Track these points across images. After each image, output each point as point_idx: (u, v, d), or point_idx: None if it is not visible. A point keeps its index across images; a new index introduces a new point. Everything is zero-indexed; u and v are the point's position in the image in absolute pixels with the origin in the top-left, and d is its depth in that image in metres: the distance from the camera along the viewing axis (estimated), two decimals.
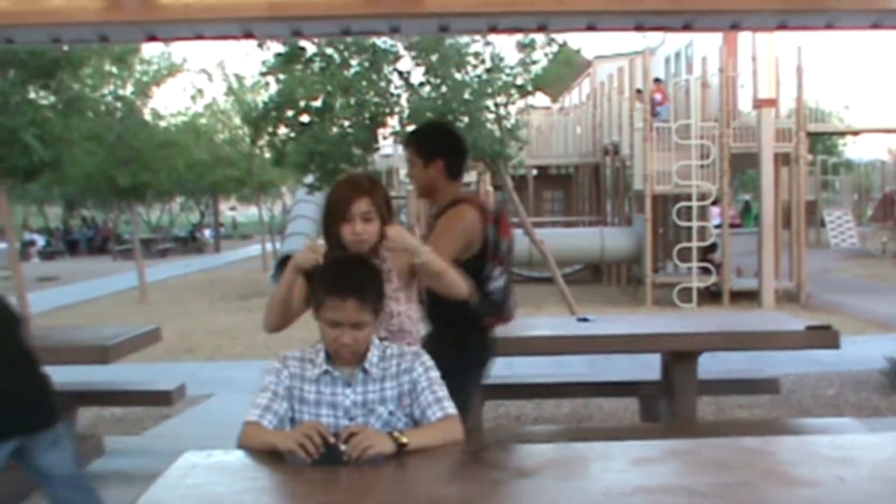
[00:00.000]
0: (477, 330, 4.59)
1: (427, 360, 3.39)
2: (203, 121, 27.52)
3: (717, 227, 19.29)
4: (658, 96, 18.92)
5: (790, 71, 18.47)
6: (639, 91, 19.33)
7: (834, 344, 5.84)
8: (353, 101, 14.43)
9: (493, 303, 4.51)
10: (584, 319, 6.86)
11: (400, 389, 3.31)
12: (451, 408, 3.28)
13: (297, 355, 3.39)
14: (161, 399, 7.50)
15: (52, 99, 14.84)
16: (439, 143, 4.57)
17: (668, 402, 6.42)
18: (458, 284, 3.97)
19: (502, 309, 4.62)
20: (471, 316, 4.42)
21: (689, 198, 17.99)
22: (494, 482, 2.89)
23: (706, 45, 20.00)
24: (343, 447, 2.97)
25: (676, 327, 6.63)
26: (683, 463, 3.04)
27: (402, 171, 25.58)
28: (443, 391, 3.31)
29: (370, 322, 3.26)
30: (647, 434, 6.22)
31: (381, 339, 3.43)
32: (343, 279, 3.25)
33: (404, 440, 3.05)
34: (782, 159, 18.74)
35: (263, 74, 15.46)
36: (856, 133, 27.60)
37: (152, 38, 6.17)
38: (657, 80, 20.02)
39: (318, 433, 3.00)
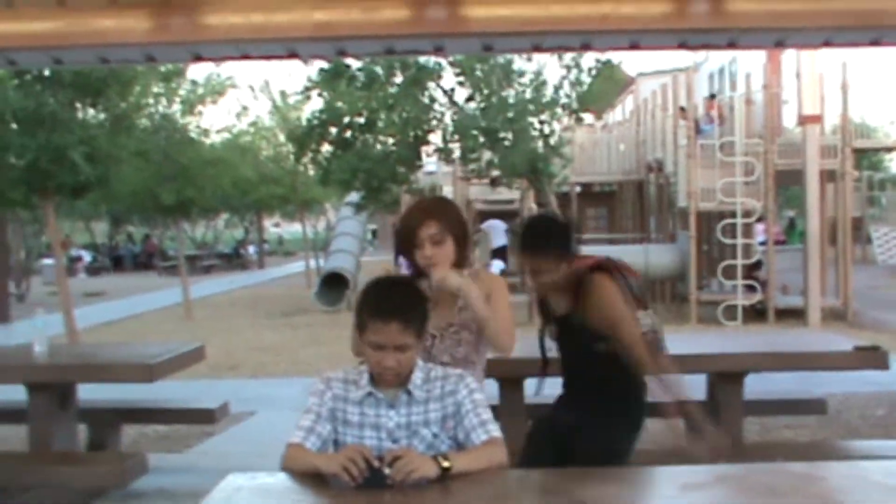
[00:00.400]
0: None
1: (471, 381, 3.37)
2: (248, 138, 27.70)
3: (762, 244, 19.13)
4: (714, 113, 18.78)
5: (835, 87, 18.33)
6: (682, 108, 19.22)
7: (883, 364, 5.77)
8: (396, 117, 14.46)
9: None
10: None
11: (444, 412, 3.30)
12: (495, 430, 3.26)
13: (340, 377, 3.39)
14: (204, 417, 7.54)
15: (101, 117, 15.00)
16: (556, 237, 4.39)
17: (713, 422, 6.35)
18: (501, 335, 3.88)
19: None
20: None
21: (733, 215, 17.86)
22: None
23: (750, 61, 19.88)
24: (387, 470, 2.95)
25: (722, 347, 6.56)
26: (732, 488, 3.00)
27: (446, 188, 25.57)
28: (487, 414, 3.30)
29: (413, 345, 3.25)
30: (695, 456, 6.15)
31: (443, 364, 3.42)
32: (386, 301, 3.24)
33: (448, 464, 3.03)
34: (828, 176, 18.56)
35: (307, 90, 15.52)
36: None
37: (198, 59, 6.22)
38: (712, 97, 19.91)
39: (363, 456, 2.98)
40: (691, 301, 17.88)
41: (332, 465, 3.01)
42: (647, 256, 19.84)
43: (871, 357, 5.80)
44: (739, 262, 17.60)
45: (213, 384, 11.40)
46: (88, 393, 6.91)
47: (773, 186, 17.83)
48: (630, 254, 20.39)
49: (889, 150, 31.75)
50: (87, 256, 42.91)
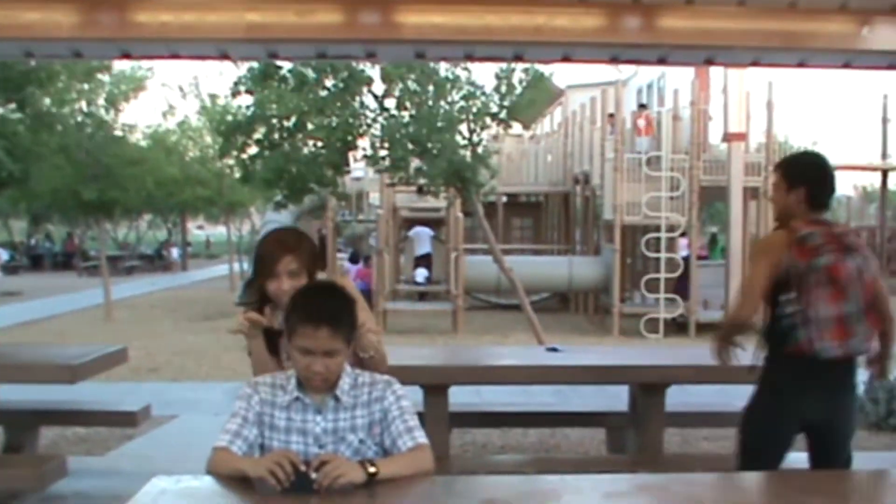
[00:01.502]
0: None
1: (398, 388, 3.37)
2: (174, 138, 27.41)
3: (685, 258, 19.37)
4: (641, 122, 18.99)
5: (760, 105, 18.63)
6: (611, 115, 19.40)
7: None
8: (326, 121, 14.41)
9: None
10: (554, 349, 6.87)
11: (371, 418, 3.29)
12: (421, 437, 3.26)
13: (268, 381, 3.37)
14: (126, 420, 7.43)
15: (20, 114, 14.77)
16: (806, 171, 4.43)
17: (635, 433, 6.43)
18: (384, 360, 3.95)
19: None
20: None
21: (657, 229, 18.07)
22: None
23: (678, 77, 20.14)
24: (314, 475, 2.94)
25: (645, 359, 6.62)
26: (654, 498, 3.03)
27: (373, 195, 25.55)
28: (413, 420, 3.30)
29: (342, 350, 3.24)
30: (615, 466, 6.21)
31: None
32: (316, 307, 3.23)
33: (375, 469, 3.04)
34: (751, 193, 18.84)
35: (236, 87, 15.39)
36: None
37: (126, 56, 6.16)
38: (643, 106, 20.11)
39: (290, 461, 2.97)
40: (614, 313, 18.05)
41: (259, 468, 3.00)
42: (572, 268, 20.03)
43: None
44: (662, 275, 17.80)
45: (133, 387, 11.25)
46: (3, 394, 6.77)
47: (697, 202, 18.07)
48: (555, 265, 20.63)
49: None
50: (4, 255, 42.08)
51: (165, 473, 3.16)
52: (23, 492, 6.38)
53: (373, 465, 3.05)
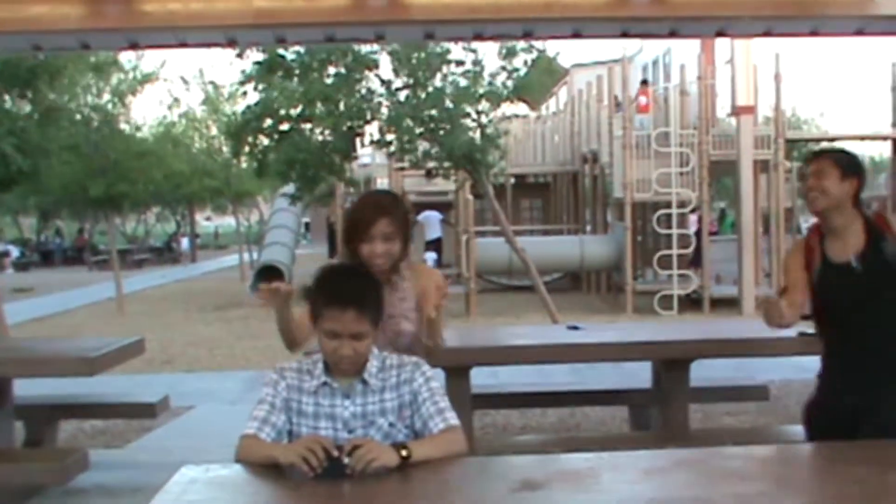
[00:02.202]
0: None
1: (427, 369, 3.32)
2: (180, 130, 27.36)
3: (696, 234, 19.31)
4: (643, 99, 18.88)
5: (767, 78, 18.54)
6: (616, 98, 19.32)
7: None
8: (332, 108, 14.34)
9: None
10: (575, 328, 6.82)
11: (400, 401, 3.25)
12: (453, 419, 3.21)
13: (294, 367, 3.32)
14: (145, 411, 7.41)
15: (29, 108, 14.70)
16: (858, 165, 4.29)
17: (660, 409, 6.38)
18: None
19: None
20: None
21: (668, 205, 18.00)
22: (503, 494, 2.81)
23: (684, 52, 20.03)
24: (346, 460, 2.89)
25: (668, 335, 6.57)
26: (695, 473, 2.98)
27: (381, 181, 25.48)
28: (444, 402, 3.25)
29: (369, 332, 3.19)
30: (643, 443, 6.18)
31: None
32: (342, 290, 3.18)
33: (408, 452, 2.98)
34: (760, 166, 18.76)
35: (242, 83, 15.34)
36: (832, 140, 27.68)
37: (134, 46, 6.10)
38: (644, 82, 20.01)
39: (321, 446, 2.92)
40: (627, 291, 17.99)
41: (290, 455, 2.94)
42: (583, 247, 19.96)
43: (815, 343, 5.82)
44: (675, 251, 17.74)
45: (149, 379, 11.25)
46: (19, 389, 6.75)
47: (707, 177, 18.00)
48: (566, 245, 20.57)
49: (819, 140, 32.20)
50: (14, 251, 42.16)
51: (186, 464, 3.12)
52: (45, 485, 6.36)
53: (405, 448, 3.00)
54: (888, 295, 4.02)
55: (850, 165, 4.21)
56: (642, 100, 18.87)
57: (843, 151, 4.42)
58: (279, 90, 14.53)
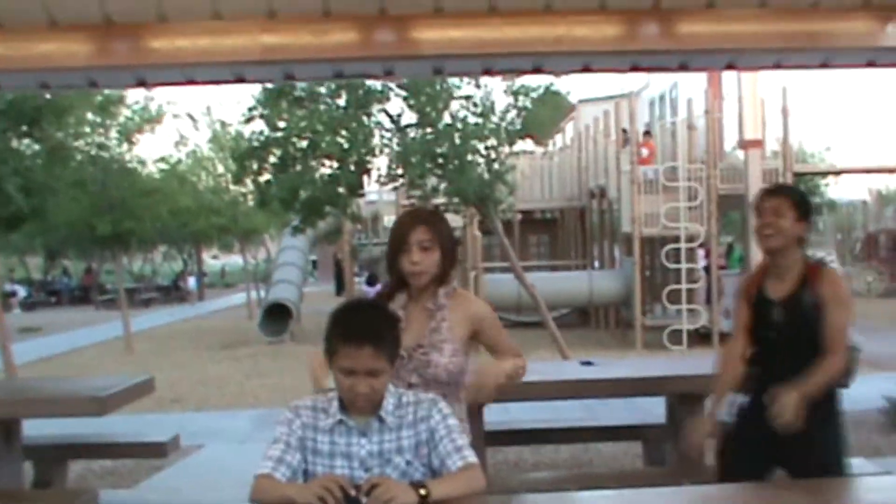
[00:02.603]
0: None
1: (444, 407, 3.27)
2: (186, 168, 27.40)
3: (705, 269, 19.27)
4: (645, 151, 18.92)
5: (774, 112, 18.56)
6: (625, 131, 19.34)
7: (843, 384, 5.73)
8: (340, 140, 14.36)
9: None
10: (588, 363, 6.77)
11: (417, 438, 3.19)
12: (471, 456, 3.16)
13: (309, 405, 3.27)
14: (155, 451, 7.34)
15: (36, 148, 14.74)
16: (811, 207, 4.37)
17: (674, 445, 6.31)
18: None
19: None
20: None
21: (676, 240, 17.96)
22: None
23: (691, 87, 20.06)
24: (364, 500, 2.83)
25: (682, 370, 6.52)
26: None
27: (387, 218, 25.49)
28: (462, 439, 3.20)
29: (386, 369, 3.14)
30: (659, 479, 6.09)
31: (410, 385, 3.33)
32: (358, 326, 3.12)
33: (426, 491, 2.92)
34: None
35: (250, 111, 15.36)
36: (839, 173, 27.74)
37: (142, 83, 6.09)
38: (647, 133, 20.06)
39: (339, 485, 2.87)
40: (636, 326, 17.93)
41: (307, 494, 2.88)
42: (591, 282, 19.91)
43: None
44: (684, 286, 17.68)
45: (158, 418, 11.20)
46: (28, 429, 6.69)
47: (715, 211, 17.97)
48: (574, 280, 20.53)
49: (826, 174, 32.23)
50: (21, 291, 42.15)
51: (199, 503, 3.06)
52: None
53: (423, 486, 2.94)
54: (803, 343, 4.12)
55: (805, 207, 4.27)
56: (643, 152, 18.90)
57: (799, 192, 4.54)
58: (287, 115, 14.56)
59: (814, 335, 4.08)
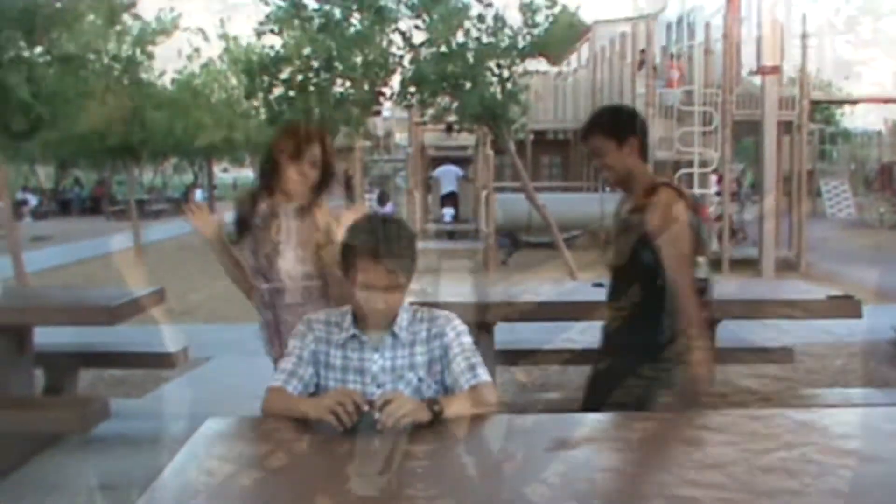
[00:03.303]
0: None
1: (459, 324, 3.24)
2: (199, 81, 27.21)
3: (717, 195, 19.17)
4: (676, 73, 18.70)
5: (793, 38, 18.35)
6: (642, 52, 19.10)
7: (856, 313, 5.71)
8: (356, 59, 14.20)
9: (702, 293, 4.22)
10: (599, 285, 6.72)
11: (431, 355, 3.17)
12: (484, 375, 3.14)
13: (322, 318, 3.25)
14: (164, 361, 7.37)
15: (48, 57, 14.59)
16: (630, 123, 4.11)
17: (683, 369, 6.29)
18: None
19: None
20: None
21: (690, 164, 17.86)
22: (538, 453, 2.73)
23: (709, 10, 19.83)
24: (377, 415, 2.81)
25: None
26: (737, 435, 2.90)
27: (400, 135, 25.36)
28: (476, 357, 3.18)
29: (404, 285, 3.12)
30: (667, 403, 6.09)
31: None
32: (377, 241, 3.06)
33: (440, 408, 2.91)
34: (784, 127, 18.57)
35: (261, 31, 15.19)
36: (855, 102, 27.50)
37: None
38: (672, 56, 19.84)
39: (352, 400, 2.84)
40: None
41: (320, 409, 2.86)
42: (603, 205, 19.81)
43: (845, 306, 5.75)
44: None
45: (167, 330, 11.21)
46: (39, 337, 6.69)
47: (730, 137, 17.83)
48: (585, 202, 20.46)
49: (842, 103, 31.97)
50: (32, 200, 42.19)
51: (205, 415, 3.05)
52: (66, 434, 6.33)
53: (437, 403, 2.93)
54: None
55: (619, 128, 4.07)
56: (674, 74, 18.68)
57: (608, 116, 4.27)
58: (306, 38, 14.40)
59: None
